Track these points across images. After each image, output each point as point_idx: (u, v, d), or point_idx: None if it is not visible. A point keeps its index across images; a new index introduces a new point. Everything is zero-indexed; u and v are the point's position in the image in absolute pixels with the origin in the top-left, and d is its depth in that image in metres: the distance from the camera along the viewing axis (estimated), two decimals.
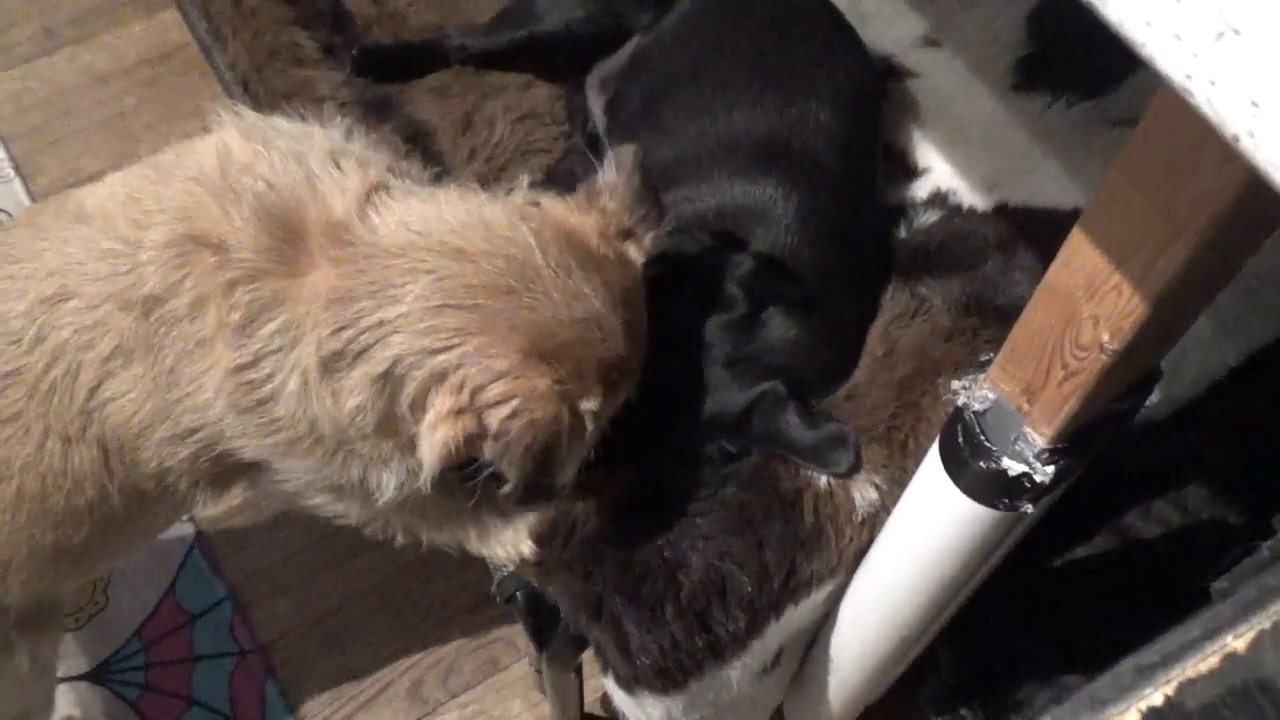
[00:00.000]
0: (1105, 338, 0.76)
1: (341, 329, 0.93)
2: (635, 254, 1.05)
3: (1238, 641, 0.56)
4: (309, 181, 0.98)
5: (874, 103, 1.41)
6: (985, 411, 0.90)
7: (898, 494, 1.07)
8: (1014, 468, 0.88)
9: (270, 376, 0.96)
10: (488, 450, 0.95)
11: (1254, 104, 0.42)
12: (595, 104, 1.48)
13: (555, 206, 1.03)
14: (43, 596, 1.21)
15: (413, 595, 1.78)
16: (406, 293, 0.93)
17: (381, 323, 0.93)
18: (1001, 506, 0.92)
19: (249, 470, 1.07)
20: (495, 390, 0.93)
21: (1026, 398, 0.86)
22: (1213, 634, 0.57)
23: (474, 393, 0.93)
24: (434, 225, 0.96)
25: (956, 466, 0.93)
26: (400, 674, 1.73)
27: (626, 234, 1.05)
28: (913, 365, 1.21)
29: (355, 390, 0.95)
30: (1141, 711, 0.56)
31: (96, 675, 1.69)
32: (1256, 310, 1.32)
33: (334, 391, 0.95)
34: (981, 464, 0.90)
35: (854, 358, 1.25)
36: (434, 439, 0.94)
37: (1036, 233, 1.32)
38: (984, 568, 1.07)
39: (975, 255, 1.32)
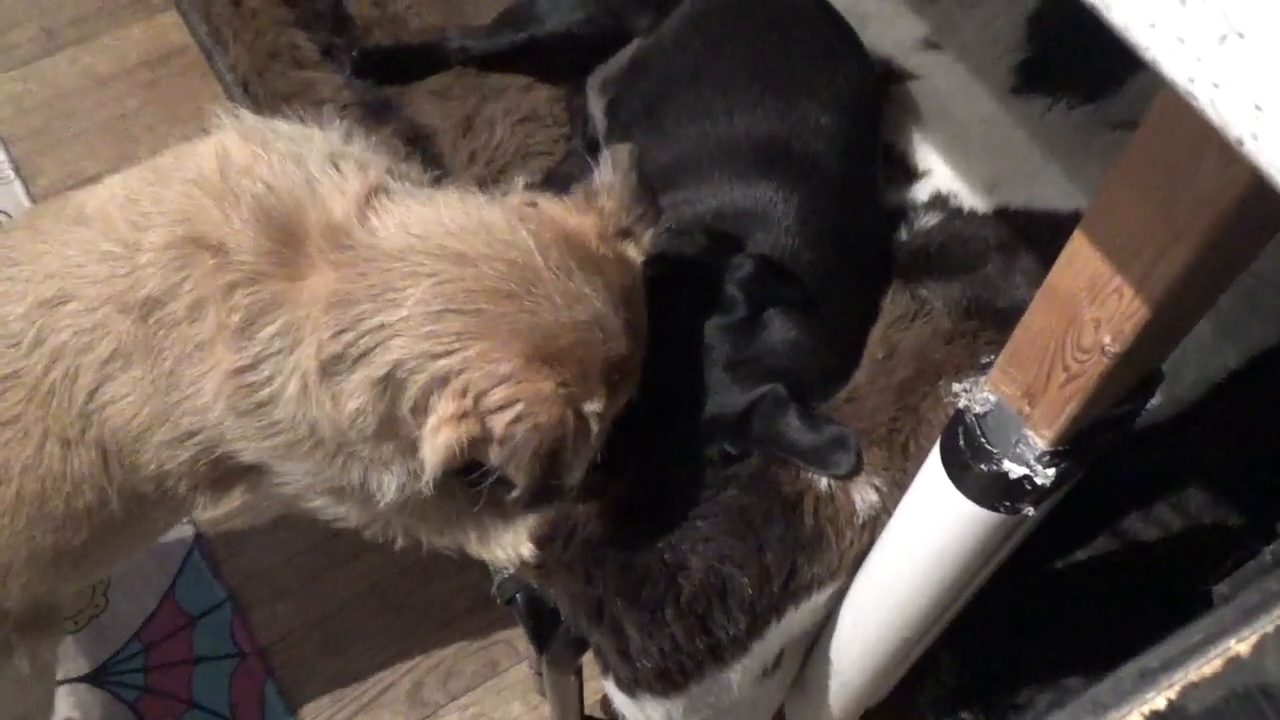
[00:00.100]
0: (1106, 340, 0.76)
1: (341, 332, 0.93)
2: (634, 253, 1.05)
3: (1240, 645, 0.56)
4: (308, 184, 0.98)
5: (874, 105, 1.41)
6: (986, 414, 0.90)
7: (898, 496, 1.07)
8: (1015, 470, 0.88)
9: (270, 379, 0.96)
10: (493, 455, 0.95)
11: (1257, 107, 0.42)
12: (596, 106, 1.48)
13: (553, 207, 1.03)
14: (42, 599, 1.21)
15: (413, 597, 1.78)
16: (407, 296, 0.93)
17: (382, 326, 0.93)
18: (1002, 509, 0.92)
19: (249, 473, 1.07)
20: (499, 395, 0.93)
21: (1027, 400, 0.86)
22: (1215, 638, 0.57)
23: (477, 397, 0.93)
24: (433, 228, 0.96)
25: (957, 469, 0.92)
26: (400, 676, 1.73)
27: (625, 233, 1.04)
28: (913, 368, 1.21)
29: (355, 393, 0.95)
30: (1144, 715, 0.56)
31: (96, 677, 1.69)
32: (1257, 313, 1.32)
33: (334, 394, 0.95)
34: (982, 467, 0.90)
35: (854, 360, 1.25)
36: (436, 442, 0.94)
37: (1037, 235, 1.32)
38: (985, 570, 1.07)
39: (976, 258, 1.31)
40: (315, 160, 1.00)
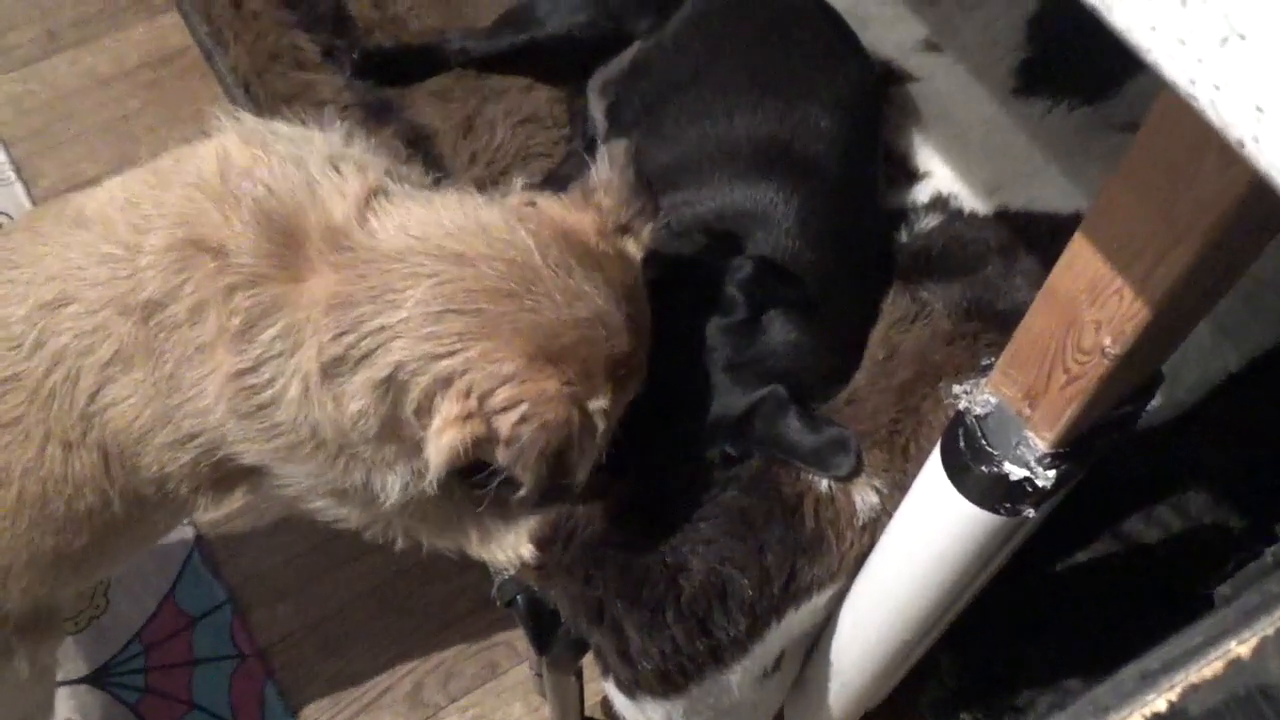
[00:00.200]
0: (1107, 342, 0.76)
1: (342, 334, 0.93)
2: (634, 249, 1.05)
3: (1241, 647, 0.56)
4: (308, 186, 0.98)
5: (874, 107, 1.41)
6: (986, 416, 0.90)
7: (899, 498, 1.07)
8: (1015, 472, 0.88)
9: (271, 381, 0.96)
10: (500, 456, 0.95)
11: (1259, 109, 0.42)
12: (596, 108, 1.48)
13: (552, 206, 1.03)
14: (42, 601, 1.21)
15: (413, 599, 1.78)
16: (407, 298, 0.93)
17: (383, 328, 0.93)
18: (1003, 511, 0.92)
19: (250, 475, 1.07)
20: (503, 395, 0.93)
21: (1028, 402, 0.86)
22: (1216, 640, 0.57)
23: (481, 398, 0.93)
24: (433, 230, 0.96)
25: (958, 471, 0.92)
26: (400, 678, 1.73)
27: (624, 229, 1.04)
28: (914, 370, 1.21)
29: (357, 395, 0.95)
30: (1144, 717, 0.56)
31: (96, 679, 1.69)
32: (1257, 315, 1.32)
33: (335, 396, 0.95)
34: (983, 468, 0.90)
35: (854, 362, 1.25)
36: (441, 443, 0.94)
37: (1037, 237, 1.32)
38: (985, 572, 1.07)
39: (976, 259, 1.31)
40: (315, 162, 1.00)
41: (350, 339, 0.93)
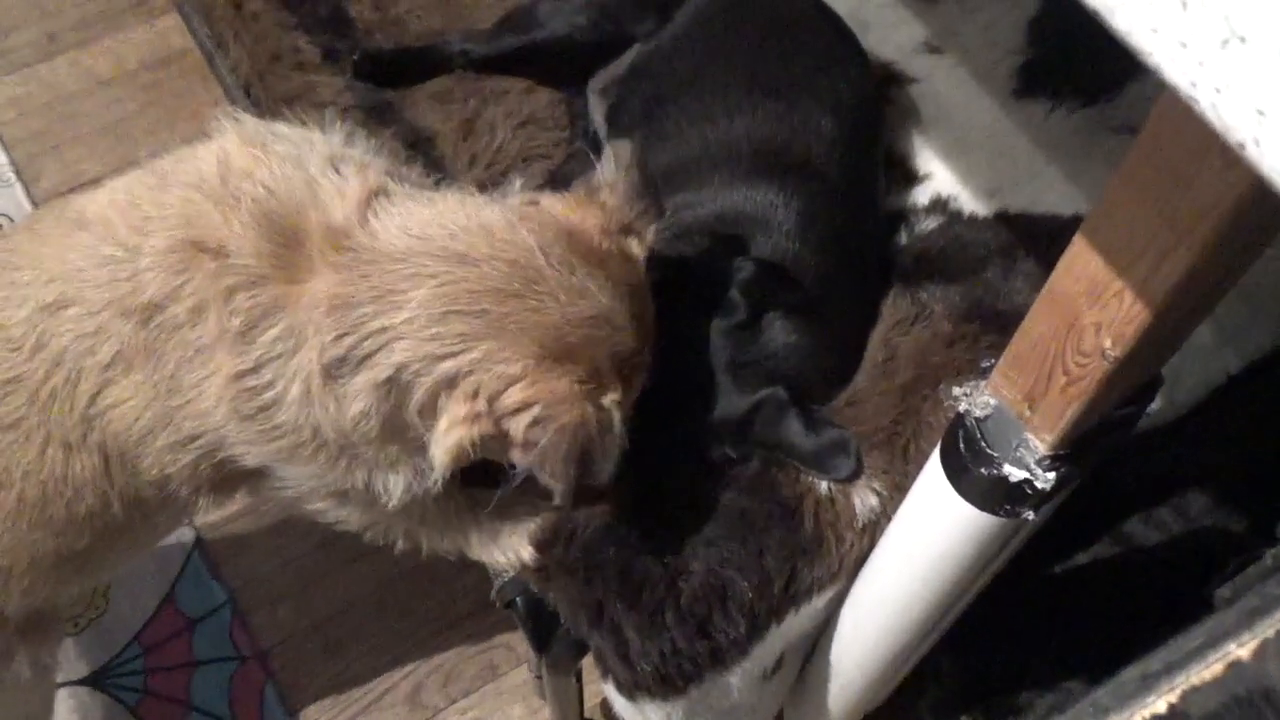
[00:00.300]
0: (1107, 344, 0.76)
1: (343, 335, 0.93)
2: (637, 249, 1.05)
3: (1242, 650, 0.55)
4: (309, 187, 0.98)
5: (875, 109, 1.41)
6: (987, 418, 0.90)
7: (899, 500, 1.07)
8: (1015, 474, 0.88)
9: (272, 383, 0.95)
10: (516, 459, 0.95)
11: (1260, 112, 0.42)
12: (596, 110, 1.48)
13: (554, 205, 1.03)
14: (43, 603, 1.21)
15: (412, 600, 1.78)
16: (410, 299, 0.93)
17: (384, 329, 0.93)
18: (1003, 513, 0.92)
19: (250, 477, 1.07)
20: (514, 396, 0.93)
21: (1028, 404, 0.86)
22: (1217, 642, 0.57)
23: (490, 399, 0.93)
24: (434, 230, 0.96)
25: (958, 473, 0.92)
26: (400, 679, 1.73)
27: (627, 229, 1.04)
28: (914, 371, 1.21)
29: (358, 396, 0.94)
30: (1145, 719, 0.56)
31: (96, 680, 1.69)
32: (1258, 317, 1.32)
33: (337, 397, 0.95)
34: (983, 470, 0.89)
35: (855, 363, 1.25)
36: (447, 443, 0.93)
37: (1038, 239, 1.32)
38: (985, 574, 1.07)
39: (976, 261, 1.31)
40: (316, 163, 1.00)
41: (351, 340, 0.93)
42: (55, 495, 1.05)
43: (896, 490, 1.14)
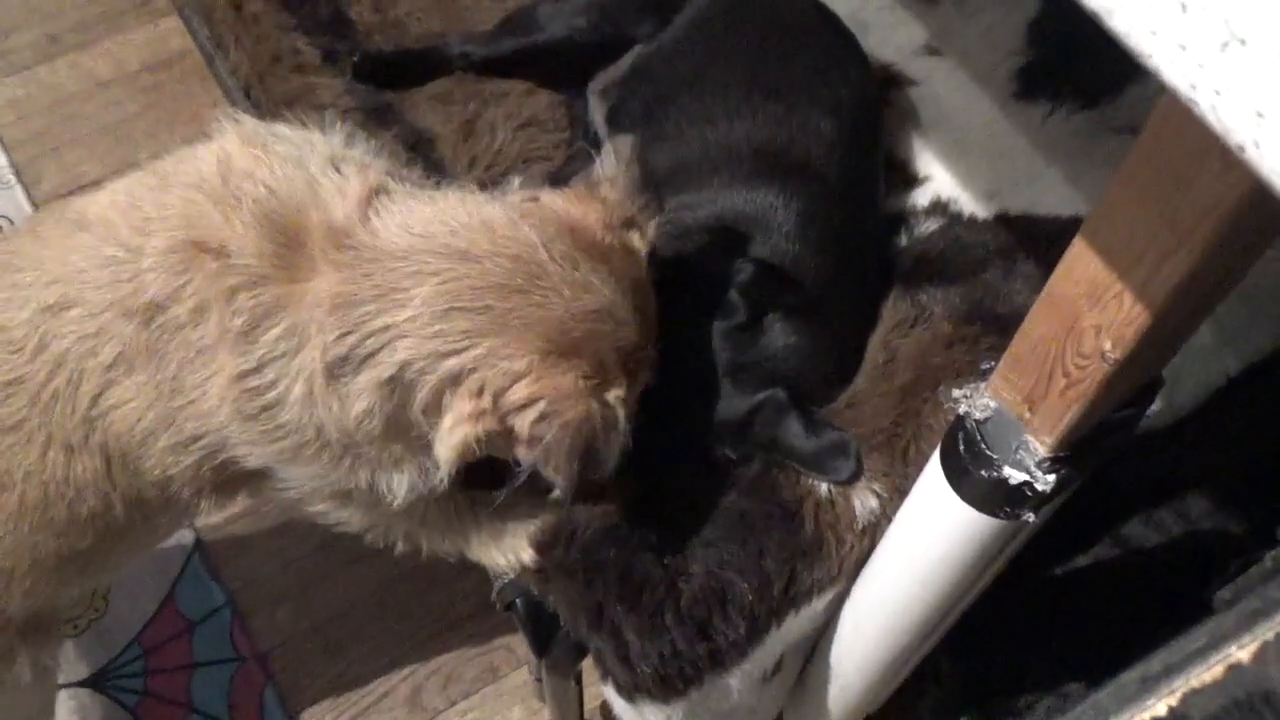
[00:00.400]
0: (1107, 346, 0.76)
1: (346, 334, 0.93)
2: (639, 243, 1.05)
3: (1242, 652, 0.55)
4: (309, 186, 0.98)
5: (875, 111, 1.41)
6: (986, 420, 0.90)
7: (898, 502, 1.07)
8: (1015, 476, 0.88)
9: (275, 383, 0.95)
10: (521, 455, 0.95)
11: (1259, 114, 0.42)
12: (597, 112, 1.48)
13: (555, 200, 1.03)
14: (44, 605, 1.21)
15: (412, 602, 1.78)
16: (412, 296, 0.93)
17: (387, 327, 0.93)
18: (1003, 515, 0.92)
19: (252, 477, 1.07)
20: (519, 392, 0.93)
21: (1028, 406, 0.86)
22: (1217, 644, 0.57)
23: (495, 395, 0.93)
24: (436, 228, 0.96)
25: (958, 475, 0.92)
26: (400, 681, 1.73)
27: (629, 223, 1.04)
28: (914, 373, 1.21)
29: (362, 395, 0.94)
30: None
31: (96, 682, 1.69)
32: (1258, 318, 1.32)
33: (340, 396, 0.95)
34: (983, 472, 0.89)
35: (855, 365, 1.25)
36: (452, 440, 0.93)
37: (1037, 241, 1.32)
38: (985, 576, 1.07)
39: (976, 263, 1.31)
40: (316, 163, 1.00)
41: (354, 338, 0.93)
42: (57, 497, 1.05)
43: (896, 492, 1.14)
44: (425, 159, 1.43)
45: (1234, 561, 1.18)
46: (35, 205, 2.11)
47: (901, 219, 1.41)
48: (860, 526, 1.14)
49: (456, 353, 0.93)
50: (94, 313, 0.99)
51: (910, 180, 1.44)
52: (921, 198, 1.42)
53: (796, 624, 1.16)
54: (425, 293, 0.92)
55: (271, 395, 0.96)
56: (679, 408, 1.14)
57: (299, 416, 0.96)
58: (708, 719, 1.20)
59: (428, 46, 1.54)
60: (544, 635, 1.24)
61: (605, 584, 1.12)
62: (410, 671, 1.73)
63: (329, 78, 1.52)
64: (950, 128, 1.47)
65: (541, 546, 1.15)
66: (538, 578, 1.16)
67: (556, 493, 0.98)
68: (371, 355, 0.93)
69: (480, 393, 0.93)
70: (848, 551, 1.14)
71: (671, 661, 1.11)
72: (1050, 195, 1.38)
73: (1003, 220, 1.37)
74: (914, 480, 1.01)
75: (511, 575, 1.19)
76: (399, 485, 1.02)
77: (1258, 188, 0.59)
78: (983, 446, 0.89)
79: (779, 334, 1.16)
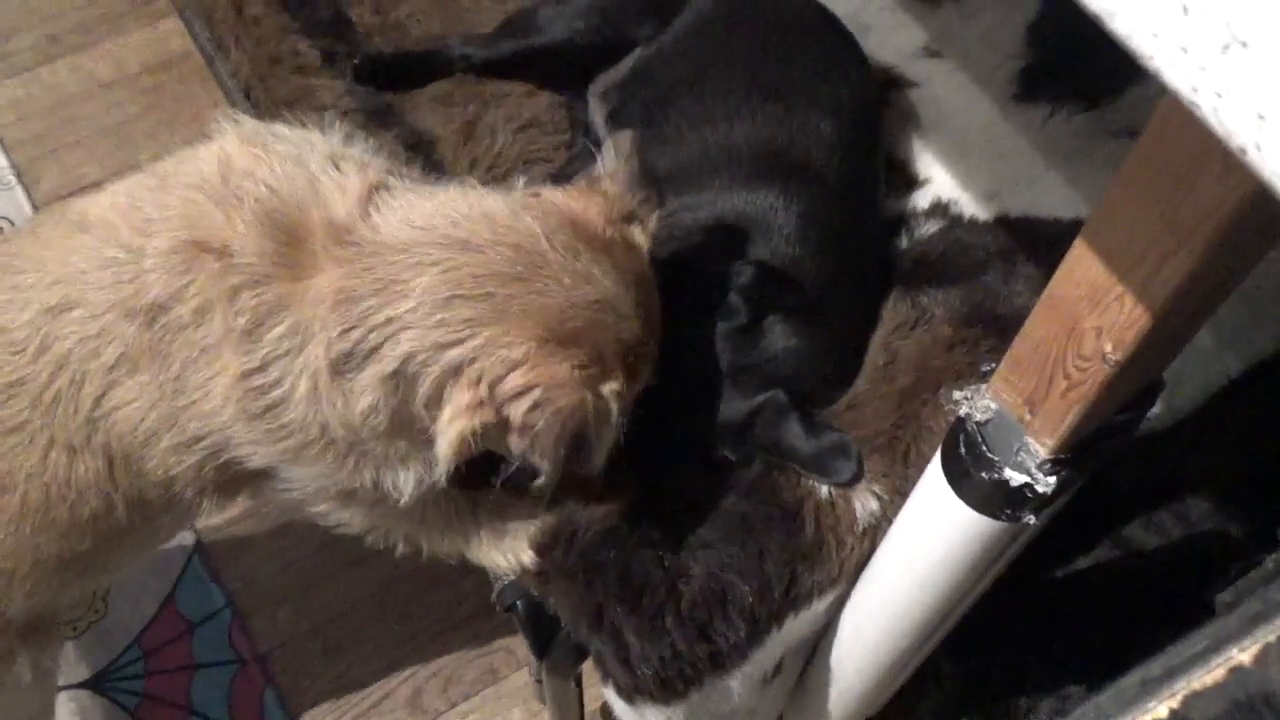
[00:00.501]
0: (1108, 348, 0.76)
1: (349, 329, 0.93)
2: (641, 237, 1.05)
3: (1243, 655, 0.55)
4: (310, 184, 0.98)
5: (875, 113, 1.41)
6: (987, 422, 0.90)
7: (899, 504, 1.07)
8: (1016, 478, 0.88)
9: (279, 381, 0.95)
10: (513, 444, 0.95)
11: (1260, 116, 0.42)
12: (597, 114, 1.48)
13: (556, 195, 1.03)
14: (45, 606, 1.21)
15: (412, 604, 1.78)
16: (414, 287, 0.93)
17: (390, 320, 0.93)
18: (1003, 517, 0.92)
19: (255, 478, 1.07)
20: (514, 381, 0.93)
21: (1029, 408, 0.86)
22: (1218, 647, 0.57)
23: (492, 385, 0.93)
24: (437, 220, 0.96)
25: (958, 477, 0.92)
26: (400, 683, 1.73)
27: (630, 217, 1.04)
28: (914, 375, 1.21)
29: (367, 390, 0.94)
30: None
31: (96, 684, 1.69)
32: (1258, 321, 1.32)
33: (345, 393, 0.95)
34: (983, 474, 0.89)
35: (855, 367, 1.25)
36: (450, 433, 0.93)
37: (1038, 243, 1.32)
38: (986, 578, 1.07)
39: (976, 265, 1.31)
40: (316, 161, 1.00)
41: (358, 334, 0.93)
42: (59, 498, 1.05)
43: (897, 494, 1.14)
44: (425, 160, 1.43)
45: (1235, 564, 1.18)
46: (35, 206, 2.11)
47: (902, 221, 1.41)
48: (861, 528, 1.14)
49: (458, 343, 0.92)
50: (96, 314, 0.99)
51: (910, 182, 1.44)
52: (922, 199, 1.42)
53: (797, 626, 1.16)
54: (426, 282, 0.92)
55: (276, 394, 0.96)
56: (679, 409, 1.14)
57: (304, 414, 0.96)
58: None
59: (428, 48, 1.54)
60: (544, 637, 1.24)
61: (606, 586, 1.12)
62: (410, 673, 1.73)
63: (329, 79, 1.52)
64: (950, 129, 1.47)
65: (542, 548, 1.14)
66: (538, 579, 1.16)
67: (540, 479, 0.97)
68: (375, 349, 0.93)
69: (478, 383, 0.93)
70: (848, 553, 1.14)
71: (672, 663, 1.11)
72: (1051, 197, 1.38)
73: (1003, 222, 1.37)
74: (914, 482, 1.01)
75: (512, 577, 1.19)
76: (405, 482, 1.01)
77: (1259, 190, 0.59)
78: (983, 448, 0.89)
79: (779, 336, 1.16)
